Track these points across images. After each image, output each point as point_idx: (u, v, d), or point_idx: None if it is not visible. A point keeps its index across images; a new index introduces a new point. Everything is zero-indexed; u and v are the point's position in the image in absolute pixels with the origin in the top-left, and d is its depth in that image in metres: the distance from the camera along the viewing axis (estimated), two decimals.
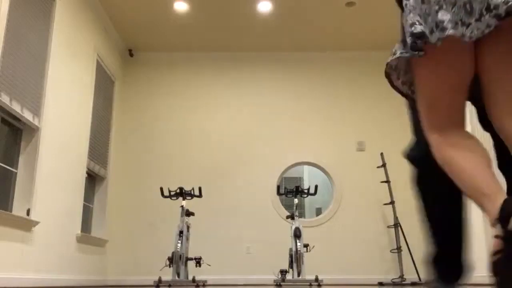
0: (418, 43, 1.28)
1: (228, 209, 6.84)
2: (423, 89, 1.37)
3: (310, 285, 5.29)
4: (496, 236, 1.23)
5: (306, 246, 5.58)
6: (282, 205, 6.96)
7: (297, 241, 5.46)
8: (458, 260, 1.79)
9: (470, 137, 1.44)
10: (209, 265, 6.17)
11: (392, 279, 6.26)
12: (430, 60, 1.31)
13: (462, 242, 1.78)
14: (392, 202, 6.44)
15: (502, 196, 1.41)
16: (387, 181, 6.53)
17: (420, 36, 1.27)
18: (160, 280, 5.24)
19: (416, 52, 1.29)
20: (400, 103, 7.26)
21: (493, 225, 1.27)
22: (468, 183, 1.46)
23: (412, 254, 6.23)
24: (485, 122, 1.61)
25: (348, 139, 6.95)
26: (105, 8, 6.31)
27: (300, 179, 9.38)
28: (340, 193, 6.69)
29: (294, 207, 5.86)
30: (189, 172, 6.93)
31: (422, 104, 1.40)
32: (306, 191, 5.83)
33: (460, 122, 1.42)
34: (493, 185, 1.54)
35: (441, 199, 1.76)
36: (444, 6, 1.26)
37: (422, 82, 1.36)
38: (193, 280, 5.66)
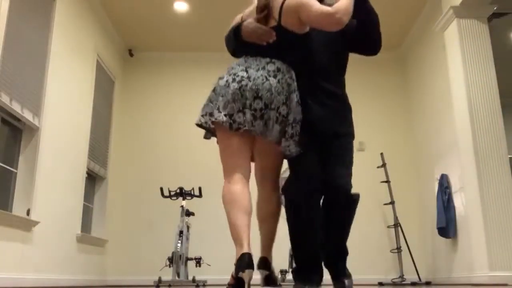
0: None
1: None
2: None
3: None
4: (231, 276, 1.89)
5: None
6: (282, 205, 6.95)
7: None
8: (318, 268, 2.33)
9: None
10: (209, 265, 6.16)
11: (392, 279, 6.26)
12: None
13: (319, 255, 2.35)
14: (392, 202, 6.43)
15: (243, 249, 2.04)
16: (387, 181, 6.53)
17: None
18: (160, 280, 5.23)
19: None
20: (400, 103, 7.26)
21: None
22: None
23: (412, 254, 6.23)
24: None
25: None
26: (105, 8, 6.30)
27: None
28: None
29: None
30: (189, 172, 6.93)
31: None
32: None
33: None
34: (243, 235, 2.13)
35: (306, 225, 2.38)
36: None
37: None
38: (193, 280, 5.66)
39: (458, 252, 5.49)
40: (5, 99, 4.03)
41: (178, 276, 5.22)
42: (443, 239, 5.77)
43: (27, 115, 4.40)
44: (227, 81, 2.22)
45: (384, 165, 6.58)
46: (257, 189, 2.46)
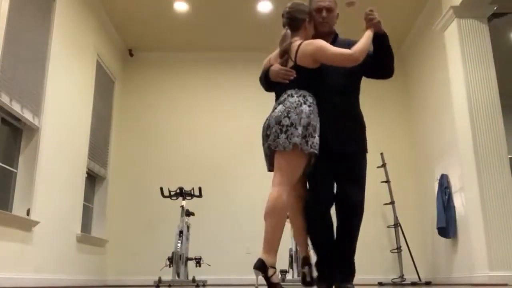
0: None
1: (228, 209, 6.84)
2: None
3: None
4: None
5: None
6: None
7: None
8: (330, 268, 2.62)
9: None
10: (209, 265, 6.16)
11: (392, 279, 6.26)
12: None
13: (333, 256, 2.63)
14: (392, 202, 6.43)
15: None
16: (387, 181, 6.53)
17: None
18: (160, 280, 5.23)
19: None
20: (400, 103, 7.26)
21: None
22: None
23: (412, 254, 6.23)
24: None
25: None
26: (105, 8, 6.30)
27: None
28: None
29: None
30: (189, 172, 6.93)
31: None
32: None
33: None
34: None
35: (320, 229, 2.63)
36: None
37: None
38: (193, 280, 5.66)
39: (458, 252, 5.49)
40: (5, 99, 4.03)
41: (178, 276, 5.22)
42: (443, 239, 5.77)
43: (27, 115, 4.40)
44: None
45: (384, 165, 6.58)
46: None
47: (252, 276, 6.97)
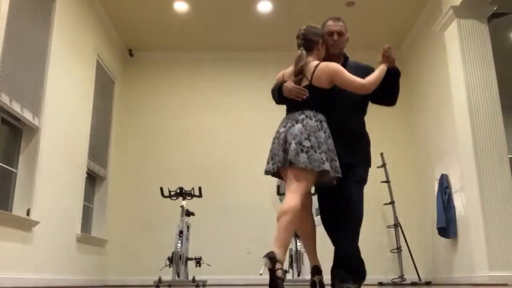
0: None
1: (228, 209, 6.84)
2: None
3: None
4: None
5: None
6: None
7: (297, 241, 5.46)
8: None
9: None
10: (209, 265, 6.16)
11: (392, 279, 6.26)
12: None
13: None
14: (392, 202, 6.43)
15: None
16: (387, 181, 6.53)
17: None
18: (160, 280, 5.23)
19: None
20: (400, 103, 7.25)
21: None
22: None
23: (412, 254, 6.23)
24: None
25: None
26: (105, 8, 6.31)
27: None
28: None
29: None
30: (189, 172, 6.93)
31: None
32: None
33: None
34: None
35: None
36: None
37: None
38: (193, 280, 5.66)
39: (458, 252, 5.49)
40: (5, 99, 4.03)
41: (178, 276, 5.22)
42: (443, 239, 5.77)
43: (27, 115, 4.40)
44: (273, 137, 2.92)
45: (384, 165, 6.58)
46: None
47: (252, 276, 6.99)
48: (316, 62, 2.76)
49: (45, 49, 4.79)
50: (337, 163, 2.67)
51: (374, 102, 3.07)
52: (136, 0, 6.11)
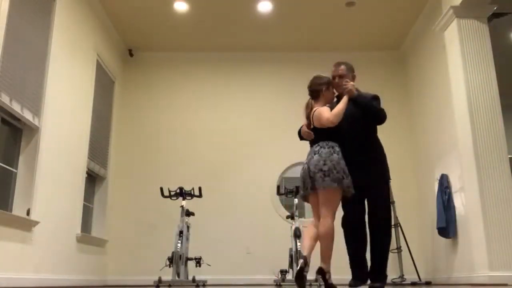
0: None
1: (228, 209, 6.84)
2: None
3: (310, 285, 5.29)
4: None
5: None
6: (282, 205, 6.96)
7: (297, 241, 5.46)
8: (359, 268, 3.48)
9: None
10: (209, 265, 6.17)
11: (392, 279, 6.25)
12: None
13: (364, 260, 3.49)
14: (392, 202, 6.43)
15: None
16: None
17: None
18: (160, 280, 5.23)
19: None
20: (400, 103, 7.26)
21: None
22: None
23: (412, 254, 6.23)
24: None
25: None
26: (105, 8, 6.31)
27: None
28: None
29: (294, 207, 5.86)
30: (189, 172, 6.93)
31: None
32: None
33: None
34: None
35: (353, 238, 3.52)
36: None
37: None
38: (193, 280, 5.66)
39: (458, 252, 5.49)
40: (5, 99, 4.03)
41: (178, 276, 5.22)
42: (443, 239, 5.77)
43: (27, 115, 4.40)
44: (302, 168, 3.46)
45: None
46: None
47: (251, 276, 6.99)
48: (315, 108, 3.37)
49: (45, 49, 4.79)
50: (349, 180, 3.23)
51: (370, 122, 3.51)
52: (136, 0, 6.11)
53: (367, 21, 6.58)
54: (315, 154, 3.30)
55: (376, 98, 3.48)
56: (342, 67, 3.52)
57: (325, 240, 3.15)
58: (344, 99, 3.32)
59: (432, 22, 5.98)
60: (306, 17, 6.52)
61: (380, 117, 3.40)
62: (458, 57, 5.13)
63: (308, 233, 3.27)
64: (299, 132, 3.54)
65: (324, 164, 3.20)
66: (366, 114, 3.40)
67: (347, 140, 3.34)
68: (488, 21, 5.22)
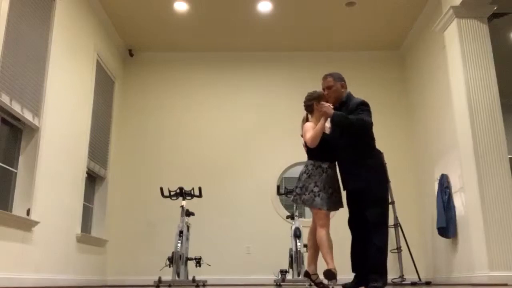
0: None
1: (228, 209, 6.84)
2: None
3: (310, 285, 5.29)
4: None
5: (306, 246, 5.56)
6: (282, 205, 6.96)
7: (297, 241, 5.46)
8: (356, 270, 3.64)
9: None
10: (209, 265, 6.17)
11: (392, 279, 6.25)
12: None
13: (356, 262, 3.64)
14: (392, 202, 6.43)
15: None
16: (387, 181, 6.52)
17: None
18: (160, 280, 5.24)
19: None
20: (400, 103, 7.26)
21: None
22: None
23: (412, 254, 6.23)
24: None
25: None
26: (105, 8, 6.31)
27: None
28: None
29: (294, 207, 5.86)
30: (189, 172, 6.93)
31: None
32: None
33: None
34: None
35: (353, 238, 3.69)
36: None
37: None
38: (193, 280, 5.66)
39: (458, 252, 5.49)
40: (5, 99, 4.03)
41: (178, 276, 5.23)
42: (443, 239, 5.77)
43: (27, 115, 4.40)
44: None
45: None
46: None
47: (251, 276, 6.99)
48: (308, 122, 3.68)
49: (45, 49, 4.79)
50: (307, 196, 3.49)
51: (362, 135, 3.64)
52: (136, 0, 6.11)
53: (367, 21, 6.58)
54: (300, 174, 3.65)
55: (362, 104, 3.57)
56: (329, 78, 3.73)
57: (322, 246, 3.45)
58: (321, 121, 3.53)
59: (432, 22, 5.98)
60: (306, 17, 6.52)
61: (362, 129, 3.54)
62: (458, 57, 5.13)
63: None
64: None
65: (297, 187, 3.58)
66: (348, 130, 3.55)
67: (339, 150, 3.60)
68: (488, 21, 5.22)
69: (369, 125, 3.56)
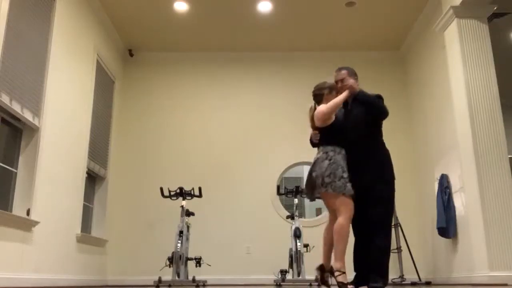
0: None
1: (228, 209, 6.84)
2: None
3: (310, 285, 5.29)
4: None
5: (306, 246, 5.58)
6: (282, 205, 6.96)
7: (297, 241, 5.46)
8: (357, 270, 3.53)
9: None
10: (209, 265, 6.17)
11: (392, 279, 6.25)
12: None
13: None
14: None
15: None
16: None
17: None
18: (160, 280, 5.24)
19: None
20: (400, 103, 7.26)
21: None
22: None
23: (412, 254, 6.23)
24: None
25: None
26: (105, 8, 6.31)
27: (300, 179, 9.38)
28: None
29: (294, 207, 5.86)
30: (189, 172, 6.93)
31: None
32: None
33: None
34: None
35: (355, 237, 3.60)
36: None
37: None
38: (193, 280, 5.66)
39: (458, 252, 5.49)
40: (5, 99, 4.03)
41: (178, 276, 5.23)
42: (443, 239, 5.77)
43: (27, 115, 4.40)
44: None
45: None
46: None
47: (251, 276, 6.99)
48: (319, 106, 3.53)
49: (45, 49, 4.79)
50: (337, 184, 3.30)
51: (373, 119, 3.57)
52: (136, 0, 6.11)
53: (367, 21, 6.58)
54: (314, 160, 3.47)
55: (379, 97, 3.57)
56: (343, 71, 3.67)
57: (337, 238, 3.30)
58: (343, 94, 3.46)
59: (432, 22, 5.98)
60: (306, 17, 6.52)
61: (382, 111, 3.50)
62: (458, 57, 5.13)
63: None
64: (311, 139, 3.65)
65: (314, 171, 3.41)
66: (368, 109, 3.48)
67: (349, 141, 3.46)
68: (488, 21, 5.22)
69: (387, 113, 3.51)
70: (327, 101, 3.49)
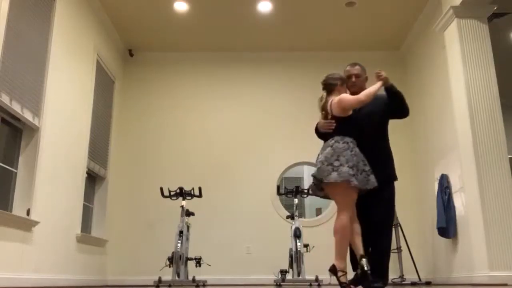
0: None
1: (228, 209, 6.84)
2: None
3: (310, 285, 5.29)
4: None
5: (306, 246, 5.57)
6: (282, 205, 6.96)
7: (297, 241, 5.46)
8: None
9: None
10: (209, 265, 6.17)
11: (392, 279, 6.25)
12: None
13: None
14: None
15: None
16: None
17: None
18: (160, 280, 5.24)
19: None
20: None
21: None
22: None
23: (412, 254, 6.23)
24: None
25: None
26: (105, 8, 6.31)
27: (300, 179, 9.38)
28: None
29: (294, 207, 5.86)
30: (189, 172, 6.93)
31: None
32: (306, 191, 5.83)
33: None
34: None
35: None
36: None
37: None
38: (193, 280, 5.66)
39: (458, 252, 5.49)
40: (5, 99, 4.03)
41: (178, 276, 5.23)
42: (443, 239, 5.77)
43: (27, 115, 4.40)
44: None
45: None
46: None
47: (251, 276, 6.99)
48: (332, 98, 3.40)
49: (45, 49, 4.79)
50: (360, 177, 3.18)
51: (391, 117, 3.59)
52: (136, 0, 6.11)
53: (367, 21, 6.58)
54: (328, 147, 3.31)
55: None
56: (357, 67, 3.67)
57: (336, 237, 3.18)
58: (378, 84, 3.36)
59: (432, 22, 5.98)
60: (306, 17, 6.51)
61: (407, 108, 3.50)
62: (458, 57, 5.13)
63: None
64: (316, 129, 3.54)
65: (336, 160, 3.21)
66: (394, 103, 3.44)
67: (362, 136, 3.38)
68: (488, 21, 5.22)
69: (409, 111, 3.52)
70: (340, 92, 3.41)
